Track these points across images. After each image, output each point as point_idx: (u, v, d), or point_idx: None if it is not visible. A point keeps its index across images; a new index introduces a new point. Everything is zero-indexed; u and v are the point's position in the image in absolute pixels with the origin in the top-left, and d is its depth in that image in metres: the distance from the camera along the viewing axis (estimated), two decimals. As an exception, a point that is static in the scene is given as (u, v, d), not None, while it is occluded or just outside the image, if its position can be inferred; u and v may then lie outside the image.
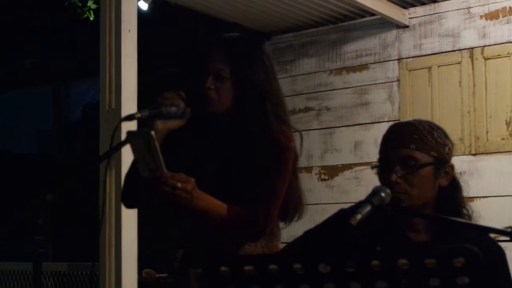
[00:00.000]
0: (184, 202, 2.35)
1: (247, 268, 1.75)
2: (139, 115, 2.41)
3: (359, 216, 2.06)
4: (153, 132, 2.27)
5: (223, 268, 1.76)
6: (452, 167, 2.35)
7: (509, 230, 1.76)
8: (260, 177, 2.49)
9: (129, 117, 2.42)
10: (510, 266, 2.19)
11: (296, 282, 1.71)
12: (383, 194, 2.15)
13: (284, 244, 2.63)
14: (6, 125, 11.01)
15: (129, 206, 2.84)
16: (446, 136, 2.37)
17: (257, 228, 2.50)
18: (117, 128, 2.56)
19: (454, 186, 2.36)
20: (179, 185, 2.30)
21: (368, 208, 2.09)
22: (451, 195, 2.34)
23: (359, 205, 2.10)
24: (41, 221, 2.22)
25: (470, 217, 2.33)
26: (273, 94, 2.61)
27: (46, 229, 2.22)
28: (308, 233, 2.49)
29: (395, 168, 2.26)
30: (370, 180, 2.34)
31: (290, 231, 2.62)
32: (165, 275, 4.53)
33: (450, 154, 2.35)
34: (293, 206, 2.62)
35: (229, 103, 2.56)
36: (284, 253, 2.52)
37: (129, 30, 3.98)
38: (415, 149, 2.28)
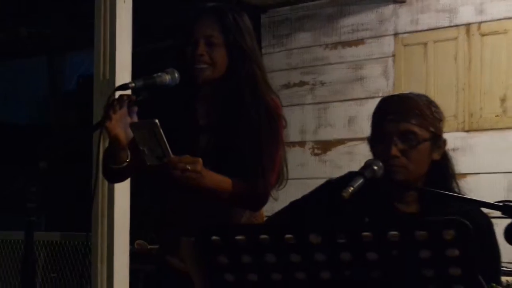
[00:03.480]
0: (194, 183, 2.37)
1: (238, 237, 1.76)
2: (133, 84, 2.41)
3: (351, 189, 2.06)
4: (157, 120, 2.28)
5: (214, 237, 1.77)
6: (444, 141, 2.36)
7: (499, 204, 1.77)
8: (257, 147, 2.51)
9: (123, 87, 2.42)
10: (499, 239, 2.21)
11: (287, 252, 1.72)
12: (375, 167, 2.16)
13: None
14: (1, 96, 11.01)
15: (110, 182, 2.88)
16: (440, 111, 2.38)
17: (259, 198, 2.55)
18: (111, 97, 2.56)
19: (445, 160, 2.37)
20: (188, 167, 2.33)
21: (360, 181, 2.10)
22: (443, 169, 2.36)
23: (347, 177, 2.11)
24: (34, 189, 2.23)
25: (458, 190, 2.35)
26: (259, 60, 2.65)
27: (39, 196, 2.23)
28: (294, 204, 2.51)
29: (395, 142, 2.26)
30: (363, 155, 2.33)
31: (283, 205, 2.62)
32: (157, 246, 4.55)
33: (442, 128, 2.37)
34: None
35: (222, 70, 2.57)
36: (274, 223, 2.54)
37: (124, 1, 3.97)
38: (416, 124, 2.28)
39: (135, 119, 2.41)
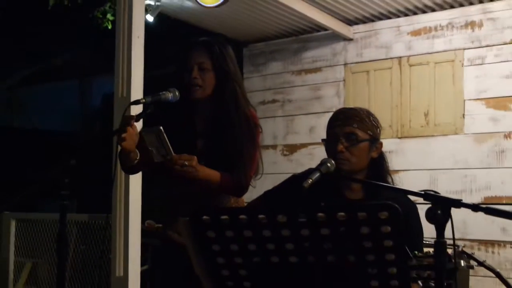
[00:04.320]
0: (190, 175, 2.37)
1: (223, 217, 1.75)
2: (143, 100, 2.40)
3: (310, 181, 2.06)
4: (161, 127, 2.28)
5: (204, 217, 1.77)
6: (381, 144, 2.38)
7: (422, 192, 1.78)
8: (240, 148, 2.51)
9: (136, 102, 2.41)
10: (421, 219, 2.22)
11: (260, 229, 1.72)
12: (329, 164, 2.16)
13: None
14: (43, 110, 10.93)
15: (127, 174, 2.87)
16: (378, 120, 2.40)
17: (241, 188, 2.55)
18: (127, 110, 2.55)
19: (381, 158, 2.39)
20: (186, 163, 2.33)
21: (317, 174, 2.10)
22: (379, 165, 2.38)
23: (309, 172, 2.11)
24: (67, 180, 2.21)
25: (392, 182, 2.37)
26: (240, 81, 2.63)
27: (71, 186, 2.22)
28: (267, 192, 2.51)
29: (341, 141, 2.29)
30: (321, 156, 2.34)
31: (259, 194, 2.62)
32: (161, 225, 4.53)
33: (380, 134, 2.38)
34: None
35: (211, 89, 2.56)
36: (250, 207, 2.54)
37: (138, 36, 3.95)
38: (356, 128, 2.30)
39: (136, 125, 2.39)
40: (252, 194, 2.64)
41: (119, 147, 2.41)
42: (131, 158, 2.43)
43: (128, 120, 2.34)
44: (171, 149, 2.31)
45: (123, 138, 2.33)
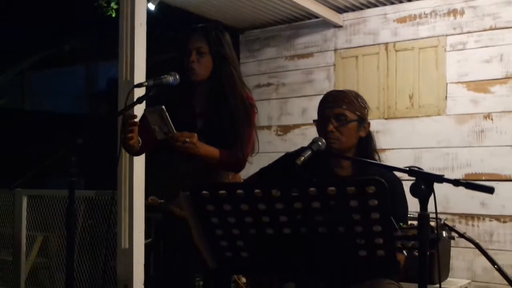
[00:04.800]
0: (191, 152, 2.37)
1: (221, 192, 1.75)
2: (146, 83, 2.39)
3: (302, 158, 2.07)
4: (163, 106, 2.27)
5: (204, 192, 1.77)
6: (368, 123, 2.37)
7: (406, 168, 1.78)
8: (237, 127, 2.51)
9: (139, 85, 2.40)
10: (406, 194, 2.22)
11: (256, 202, 1.72)
12: (320, 143, 2.17)
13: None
14: (52, 93, 10.90)
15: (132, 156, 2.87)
16: (365, 102, 2.39)
17: (239, 164, 2.55)
18: (130, 92, 2.54)
19: (369, 137, 2.39)
20: (187, 140, 2.32)
21: (309, 152, 2.11)
22: (367, 144, 2.38)
23: (301, 150, 2.11)
24: (74, 158, 2.21)
25: (379, 159, 2.37)
26: (236, 64, 2.62)
27: (78, 164, 2.22)
28: (263, 169, 2.52)
29: (331, 121, 2.29)
30: (313, 135, 2.34)
31: (256, 170, 2.62)
32: (164, 200, 4.52)
33: (367, 115, 2.38)
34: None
35: (208, 72, 2.55)
36: (247, 182, 2.54)
37: (141, 24, 3.93)
38: (346, 109, 2.30)
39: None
40: (248, 171, 2.64)
41: (123, 135, 2.40)
42: (135, 147, 2.44)
43: (132, 123, 2.34)
44: (172, 127, 2.30)
45: (130, 137, 2.34)
